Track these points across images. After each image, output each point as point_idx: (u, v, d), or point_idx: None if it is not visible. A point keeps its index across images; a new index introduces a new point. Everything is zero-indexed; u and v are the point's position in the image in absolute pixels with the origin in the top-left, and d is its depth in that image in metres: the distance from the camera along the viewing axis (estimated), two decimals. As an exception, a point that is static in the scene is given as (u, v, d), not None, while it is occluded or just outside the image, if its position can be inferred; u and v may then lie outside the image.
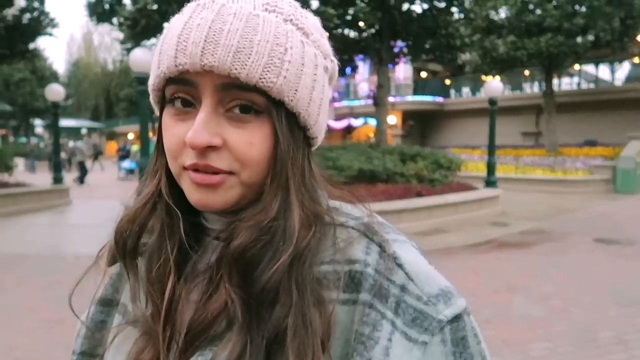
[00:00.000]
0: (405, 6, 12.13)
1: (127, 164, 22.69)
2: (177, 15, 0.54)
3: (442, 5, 12.23)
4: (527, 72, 25.32)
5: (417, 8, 12.39)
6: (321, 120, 0.58)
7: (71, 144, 28.86)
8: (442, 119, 28.43)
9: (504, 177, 15.40)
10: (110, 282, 0.66)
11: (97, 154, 29.04)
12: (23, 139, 45.09)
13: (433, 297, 0.51)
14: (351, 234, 0.55)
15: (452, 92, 29.70)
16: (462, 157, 13.91)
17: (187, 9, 0.53)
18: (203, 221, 0.59)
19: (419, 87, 29.36)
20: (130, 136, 43.21)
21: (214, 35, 0.49)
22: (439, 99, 28.20)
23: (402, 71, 27.66)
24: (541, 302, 4.91)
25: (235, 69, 0.48)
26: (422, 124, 28.73)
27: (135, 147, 25.10)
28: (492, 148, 11.88)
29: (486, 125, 12.02)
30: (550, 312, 4.62)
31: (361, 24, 11.47)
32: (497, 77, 16.67)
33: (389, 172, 9.58)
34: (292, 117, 0.54)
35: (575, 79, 25.75)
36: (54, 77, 37.51)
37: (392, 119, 23.41)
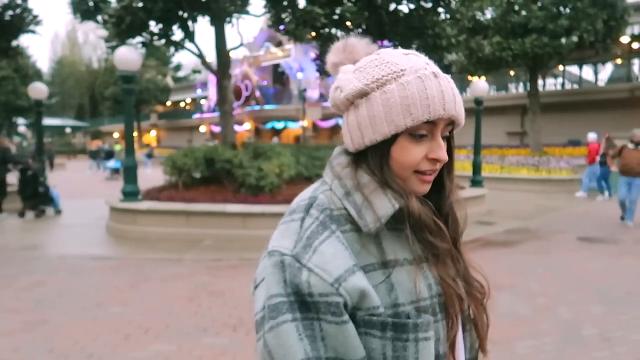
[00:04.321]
0: (392, 6, 12.14)
1: (112, 163, 22.56)
2: (419, 81, 0.79)
3: (429, 5, 12.27)
4: (512, 73, 25.57)
5: (404, 8, 12.40)
6: None
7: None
8: (429, 119, 28.52)
9: (490, 176, 15.54)
10: (353, 255, 0.78)
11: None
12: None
13: None
14: None
15: (439, 92, 29.78)
16: (449, 157, 13.93)
17: (428, 79, 0.79)
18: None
19: (405, 87, 29.42)
20: (116, 135, 42.73)
21: (454, 97, 0.81)
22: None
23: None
24: (527, 300, 4.96)
25: (459, 114, 0.82)
26: (408, 124, 28.78)
27: (118, 147, 24.86)
28: (477, 148, 11.98)
29: (472, 125, 12.10)
30: (536, 310, 4.67)
31: (348, 23, 11.45)
32: (483, 78, 16.76)
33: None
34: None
35: (560, 80, 26.08)
36: (37, 75, 36.89)
37: (379, 119, 23.39)
